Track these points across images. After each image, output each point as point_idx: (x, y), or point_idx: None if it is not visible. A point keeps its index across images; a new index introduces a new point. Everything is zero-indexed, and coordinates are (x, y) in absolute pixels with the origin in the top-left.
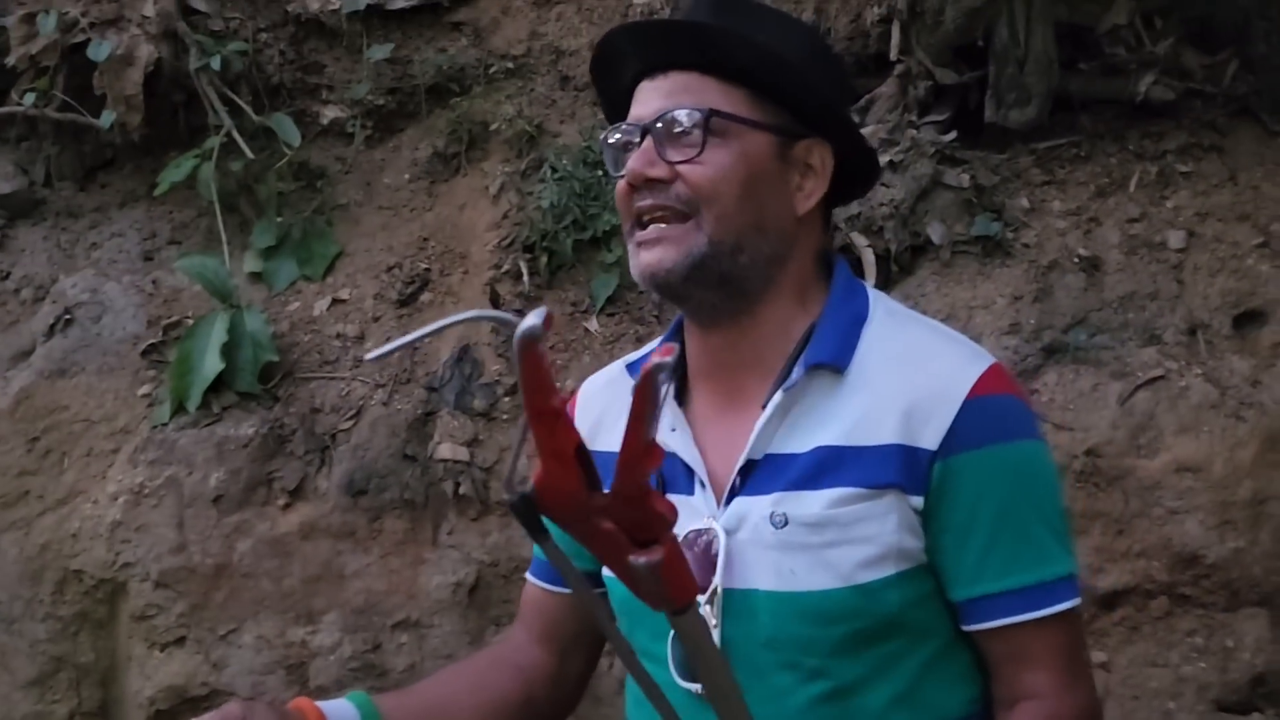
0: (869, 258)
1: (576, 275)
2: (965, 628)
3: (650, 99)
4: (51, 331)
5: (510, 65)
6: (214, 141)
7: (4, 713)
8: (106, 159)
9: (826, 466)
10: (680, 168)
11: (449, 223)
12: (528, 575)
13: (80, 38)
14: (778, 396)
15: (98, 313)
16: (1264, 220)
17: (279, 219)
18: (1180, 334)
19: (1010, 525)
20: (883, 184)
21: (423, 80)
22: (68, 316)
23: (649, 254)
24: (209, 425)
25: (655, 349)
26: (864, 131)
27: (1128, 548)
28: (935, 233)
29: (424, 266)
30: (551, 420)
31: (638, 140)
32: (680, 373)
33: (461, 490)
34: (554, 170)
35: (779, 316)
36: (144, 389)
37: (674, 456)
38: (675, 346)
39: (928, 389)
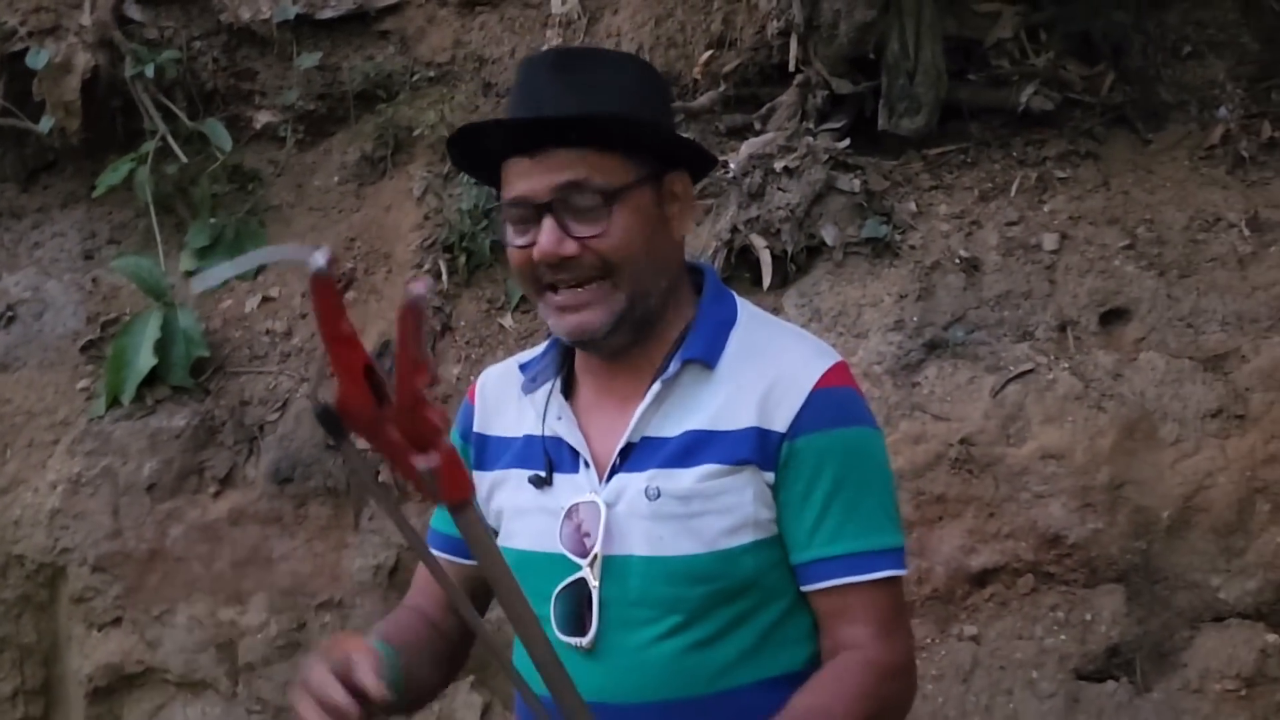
0: (766, 258)
1: (494, 274)
2: (802, 588)
3: (534, 177)
4: None
5: (434, 73)
6: (149, 146)
7: None
8: (48, 161)
9: (694, 447)
10: (589, 241)
11: (375, 224)
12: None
13: (19, 46)
14: (656, 387)
15: (39, 310)
16: (1132, 224)
17: (213, 220)
18: (1051, 330)
19: (842, 499)
20: (780, 189)
21: (351, 87)
22: (10, 313)
23: (575, 317)
24: (143, 417)
25: (538, 350)
26: (763, 139)
27: (997, 529)
28: (829, 235)
29: (350, 266)
30: (343, 343)
31: (533, 216)
32: (568, 370)
33: (381, 478)
34: None
35: (665, 327)
36: (82, 383)
37: (560, 440)
38: (428, 279)
39: (780, 379)
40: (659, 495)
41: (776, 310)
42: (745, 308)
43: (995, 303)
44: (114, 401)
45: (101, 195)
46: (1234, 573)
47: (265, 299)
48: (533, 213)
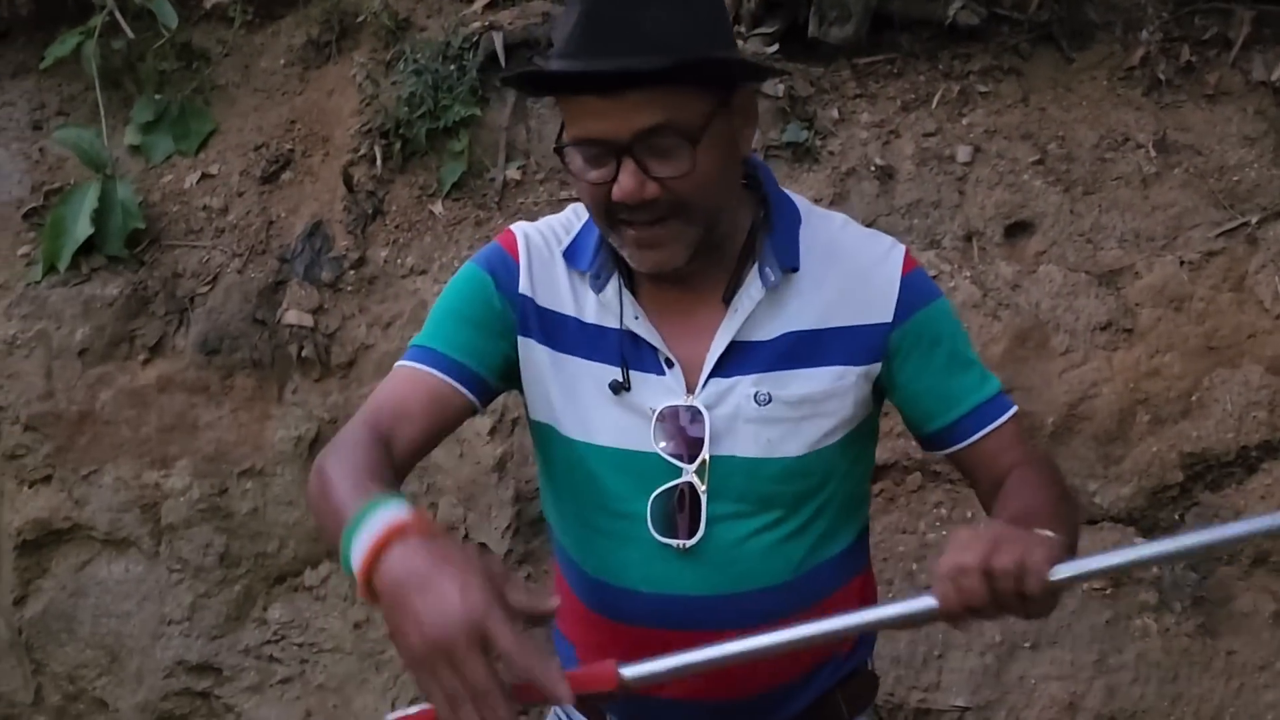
0: None
1: (427, 162)
2: (949, 450)
3: (611, 118)
4: None
5: None
6: (97, 20)
7: None
8: (0, 31)
9: (797, 350)
10: (667, 180)
11: (316, 107)
12: (421, 365)
13: None
14: (745, 299)
15: None
16: (1044, 140)
17: (158, 96)
18: (957, 240)
19: (959, 361)
20: None
21: None
22: None
23: (654, 254)
24: (78, 285)
25: (573, 230)
26: None
27: (890, 428)
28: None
29: (289, 147)
30: None
31: (609, 155)
32: (625, 265)
33: (305, 353)
34: (413, 62)
35: (731, 231)
36: (24, 249)
37: (639, 340)
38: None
39: (869, 275)
40: (769, 400)
41: None
42: (800, 201)
43: (906, 210)
44: (51, 268)
45: (51, 67)
46: (1110, 479)
47: (205, 175)
48: (609, 152)
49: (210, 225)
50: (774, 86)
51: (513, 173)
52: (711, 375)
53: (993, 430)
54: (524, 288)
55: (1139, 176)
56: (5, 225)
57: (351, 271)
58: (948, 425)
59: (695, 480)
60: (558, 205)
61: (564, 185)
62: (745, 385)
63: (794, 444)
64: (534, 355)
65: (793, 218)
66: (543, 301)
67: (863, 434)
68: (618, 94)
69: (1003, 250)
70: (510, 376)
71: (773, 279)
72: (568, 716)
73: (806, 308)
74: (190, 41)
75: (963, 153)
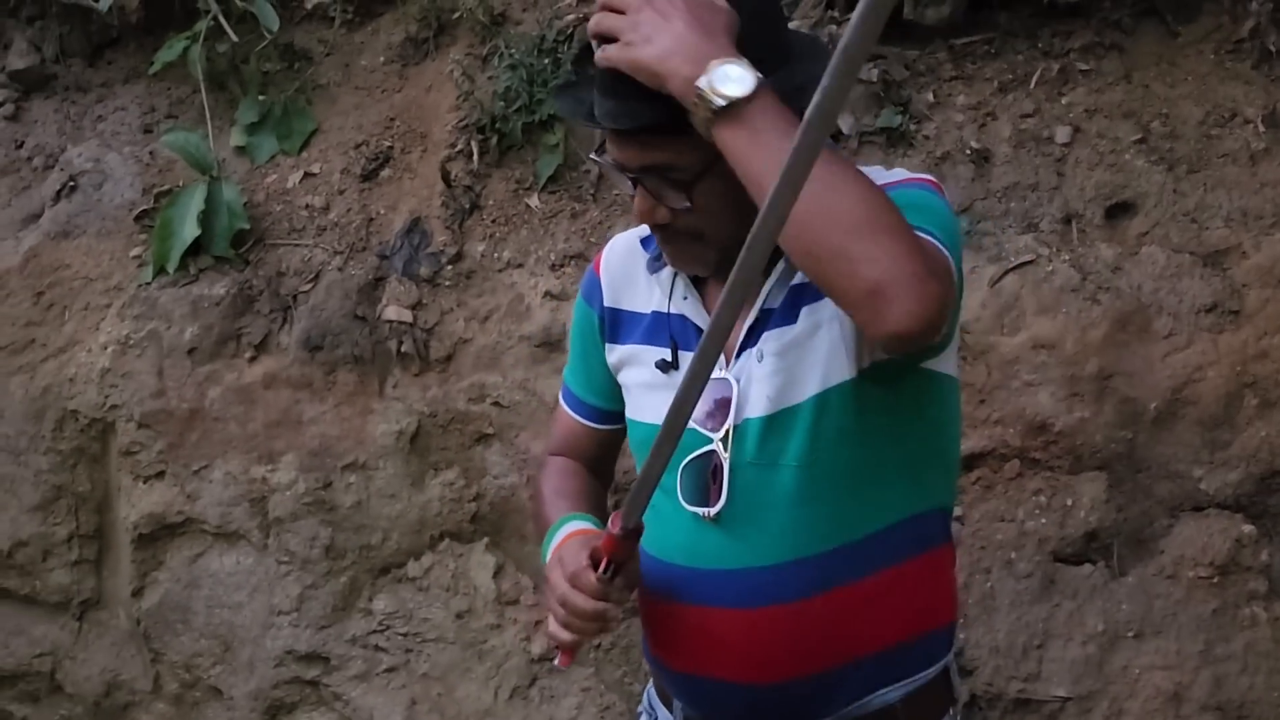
0: None
1: (523, 155)
2: None
3: (624, 150)
4: (58, 197)
5: None
6: (202, 25)
7: (12, 534)
8: (112, 38)
9: (790, 304)
10: (679, 210)
11: (415, 104)
12: (565, 407)
13: None
14: (772, 281)
15: (99, 180)
16: (1147, 118)
17: (262, 97)
18: (1055, 223)
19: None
20: None
21: None
22: (73, 183)
23: (682, 265)
24: (186, 285)
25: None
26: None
27: (987, 415)
28: (844, 124)
29: (388, 144)
30: None
31: (629, 181)
32: None
33: (404, 349)
34: (508, 57)
35: None
36: (135, 250)
37: (685, 319)
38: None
39: None
40: (763, 357)
41: None
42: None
43: (1002, 194)
44: (160, 270)
45: (160, 72)
46: (1216, 465)
47: (307, 174)
48: (629, 179)
49: (312, 224)
50: (868, 71)
51: None
52: (742, 347)
53: None
54: (608, 300)
55: (1246, 153)
56: (118, 228)
57: (449, 266)
58: None
59: (719, 448)
60: None
61: None
62: (754, 350)
63: (789, 393)
64: (614, 358)
65: None
66: (623, 305)
67: (885, 397)
68: (627, 133)
69: (1103, 232)
70: None
71: (783, 265)
72: (654, 712)
73: None
74: (292, 42)
75: (1062, 133)
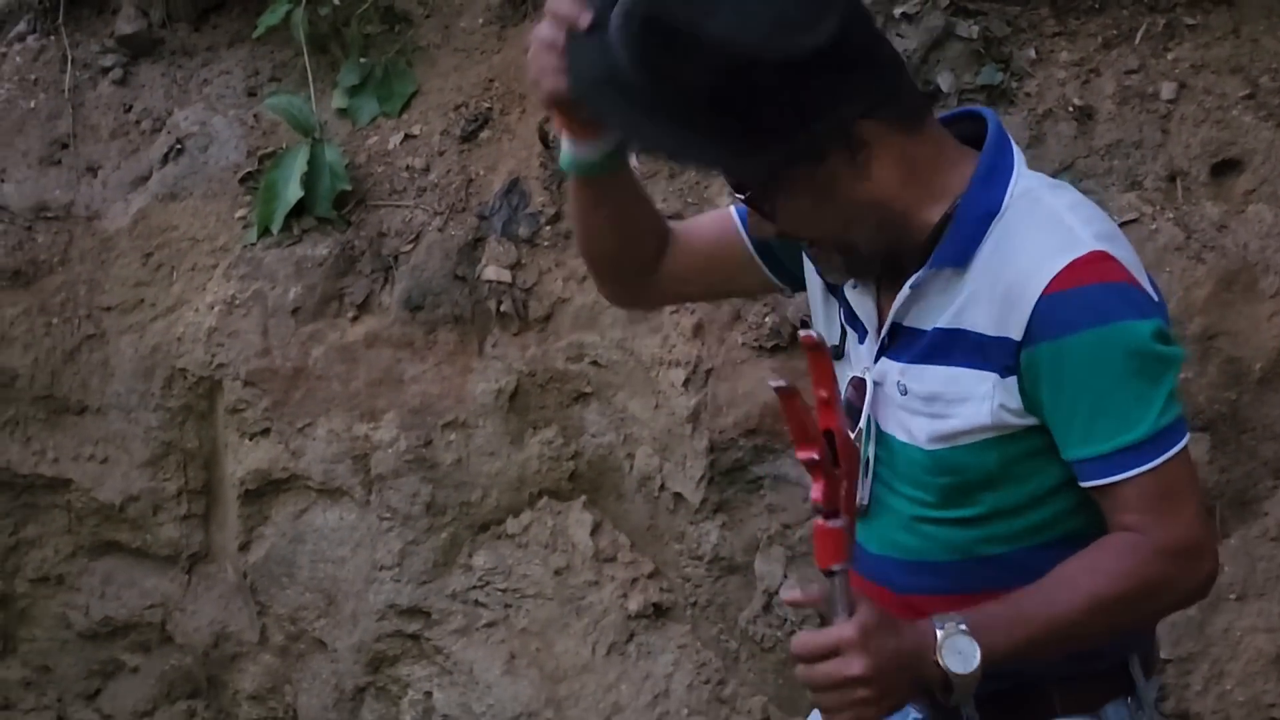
0: None
1: None
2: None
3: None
4: (166, 159)
5: None
6: None
7: (124, 489)
8: (217, 2)
9: (940, 346)
10: (783, 228)
11: (514, 65)
12: (734, 213)
13: None
14: (906, 289)
15: (205, 143)
16: (1255, 73)
17: (363, 59)
18: (1160, 180)
19: (1087, 402)
20: (898, 34)
21: None
22: (180, 146)
23: (829, 275)
24: (290, 246)
25: None
26: None
27: None
28: (944, 81)
29: (487, 106)
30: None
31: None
32: None
33: (503, 308)
34: None
35: (918, 228)
36: (240, 212)
37: (853, 311)
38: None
39: (1015, 283)
40: (906, 392)
41: None
42: (1019, 184)
43: (1105, 152)
44: (265, 231)
45: (263, 35)
46: None
47: (407, 136)
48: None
49: (413, 185)
50: (968, 28)
51: None
52: (880, 353)
53: (1097, 486)
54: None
55: None
56: (224, 190)
57: (548, 227)
58: (1070, 462)
59: (859, 441)
60: None
61: None
62: (894, 372)
63: (924, 437)
64: (811, 280)
65: (988, 209)
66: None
67: (1032, 448)
68: None
69: (1208, 190)
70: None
71: (923, 276)
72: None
73: (960, 305)
74: (393, 5)
75: (1167, 89)
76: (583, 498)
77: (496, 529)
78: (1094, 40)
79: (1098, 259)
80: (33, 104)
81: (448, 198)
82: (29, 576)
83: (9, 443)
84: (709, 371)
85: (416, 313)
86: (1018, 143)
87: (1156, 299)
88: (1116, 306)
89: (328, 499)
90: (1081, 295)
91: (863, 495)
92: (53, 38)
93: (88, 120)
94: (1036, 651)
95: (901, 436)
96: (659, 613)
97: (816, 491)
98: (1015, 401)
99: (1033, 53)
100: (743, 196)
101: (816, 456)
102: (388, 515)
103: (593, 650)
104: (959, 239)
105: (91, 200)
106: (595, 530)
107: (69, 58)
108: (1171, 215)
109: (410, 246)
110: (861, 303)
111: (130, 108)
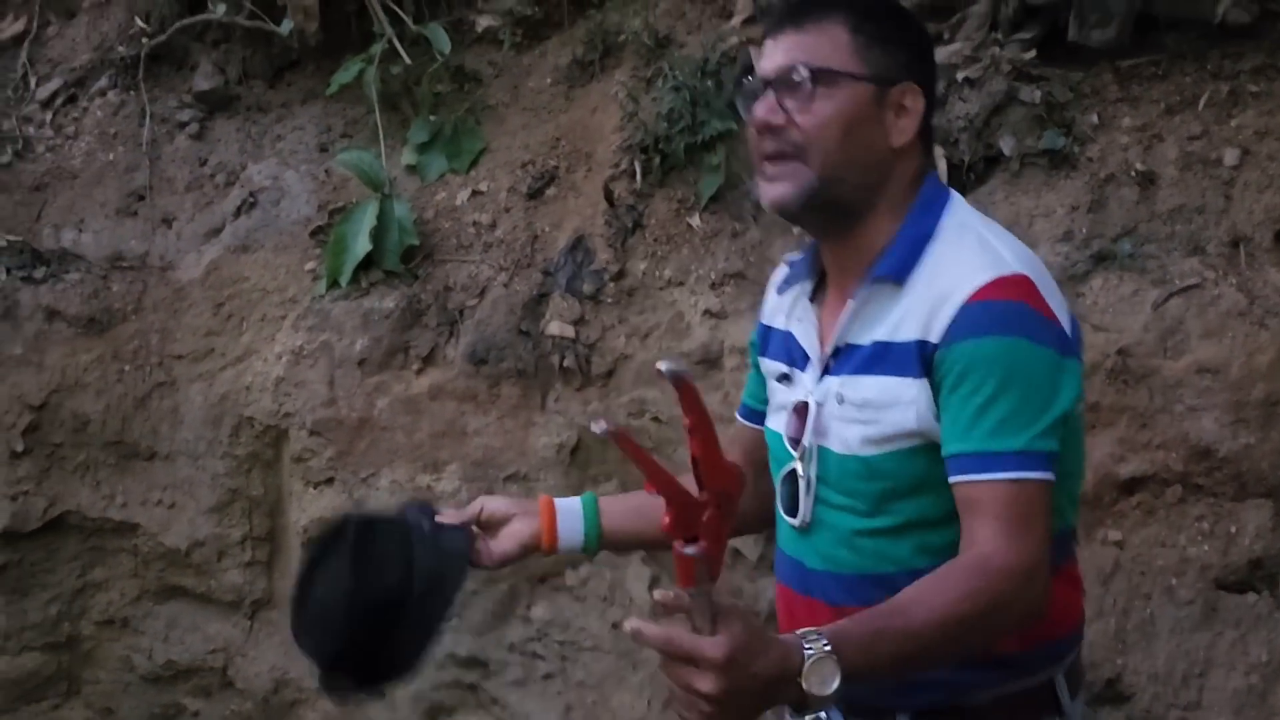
0: (943, 167)
1: (686, 175)
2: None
3: (772, 55)
4: (239, 212)
5: None
6: (377, 47)
7: (190, 534)
8: (292, 60)
9: (876, 357)
10: (794, 116)
11: (580, 124)
12: (737, 415)
13: None
14: (851, 303)
15: (277, 197)
16: None
17: (433, 117)
18: (1222, 246)
19: (977, 402)
20: (960, 99)
21: None
22: (253, 199)
23: (770, 187)
24: (358, 298)
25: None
26: (950, 49)
27: (1149, 440)
28: (1006, 145)
29: (553, 164)
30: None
31: (761, 90)
32: (821, 273)
33: (567, 363)
34: (672, 79)
35: (873, 232)
36: (310, 265)
37: (793, 339)
38: (675, 360)
39: (943, 292)
40: (843, 401)
41: None
42: (953, 216)
43: (1168, 217)
44: (333, 283)
45: (336, 93)
46: None
47: (475, 192)
48: (761, 87)
49: (479, 240)
50: (1031, 93)
51: None
52: (824, 373)
53: (964, 482)
54: (764, 317)
55: None
56: (294, 242)
57: (611, 284)
58: (945, 458)
59: (799, 466)
60: None
61: None
62: (835, 385)
63: (862, 445)
64: (763, 369)
65: (923, 232)
66: (772, 323)
67: None
68: (782, 33)
69: (1272, 257)
70: None
71: (864, 289)
72: None
73: (894, 319)
74: (463, 64)
75: (1230, 156)
76: (641, 552)
77: (555, 581)
78: (1157, 106)
79: (1021, 280)
80: (111, 157)
81: (513, 253)
82: (95, 619)
83: (80, 486)
84: None
85: (481, 366)
86: (1078, 206)
87: (1069, 335)
88: (1026, 324)
89: None
90: (997, 306)
91: (805, 514)
92: (132, 93)
93: (164, 173)
94: (892, 669)
95: (838, 448)
96: None
97: (664, 520)
98: (934, 408)
99: (1095, 118)
100: (797, 78)
101: (655, 491)
102: None
103: (649, 704)
104: (898, 254)
105: (166, 251)
106: (653, 584)
107: (148, 112)
108: (1234, 281)
109: (476, 301)
110: (805, 333)
111: (205, 161)
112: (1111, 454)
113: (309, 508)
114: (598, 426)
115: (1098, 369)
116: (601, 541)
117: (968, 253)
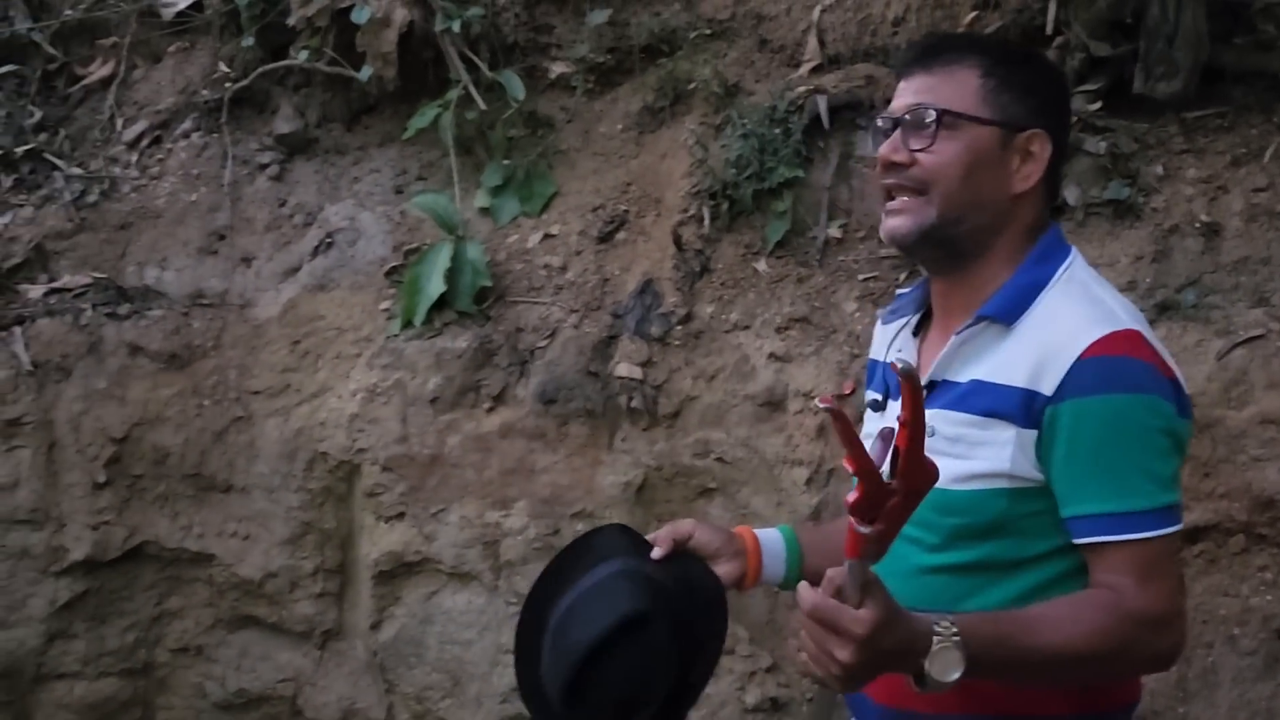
0: None
1: (753, 221)
2: (1073, 541)
3: (903, 95)
4: (316, 252)
5: (714, 29)
6: (453, 93)
7: (264, 565)
8: (369, 105)
9: (972, 394)
10: (917, 154)
11: (650, 170)
12: None
13: (346, 2)
14: (953, 339)
15: (354, 238)
16: None
17: (506, 161)
18: None
19: (1099, 461)
20: None
21: (637, 41)
22: (330, 240)
23: (890, 221)
24: (431, 338)
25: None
26: None
27: (1212, 489)
28: (1071, 195)
29: (624, 209)
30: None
31: (891, 129)
32: (928, 308)
33: (634, 404)
34: (741, 126)
35: (986, 275)
36: (384, 304)
37: (890, 369)
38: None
39: (1054, 345)
40: (934, 434)
41: None
42: (1070, 270)
43: (1232, 268)
44: (408, 323)
45: (411, 137)
46: None
47: (546, 235)
48: (890, 126)
49: (550, 283)
50: (1096, 144)
51: (834, 231)
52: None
53: (1092, 544)
54: (873, 352)
55: None
56: (369, 282)
57: (679, 326)
58: (1065, 518)
59: None
60: (877, 263)
61: (884, 244)
62: (931, 413)
63: (947, 478)
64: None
65: (1038, 280)
66: (875, 355)
67: (1035, 508)
68: (913, 75)
69: None
70: None
71: (969, 326)
72: None
73: (997, 360)
74: (536, 110)
75: None
76: None
77: None
78: (1222, 158)
79: (1134, 336)
80: (194, 197)
81: (583, 296)
82: (170, 646)
83: (158, 517)
84: (830, 471)
85: (550, 406)
86: (1142, 256)
87: (1182, 390)
88: (1144, 380)
89: (457, 582)
90: (1114, 363)
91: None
92: (215, 135)
93: (244, 213)
94: (1007, 675)
95: None
96: (775, 707)
97: (851, 496)
98: (1031, 455)
99: (1160, 169)
100: (922, 118)
101: (853, 469)
102: (514, 600)
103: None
104: (1008, 296)
105: (245, 289)
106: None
107: (229, 154)
108: None
109: (546, 342)
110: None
111: (284, 202)
112: None
113: (379, 541)
114: (823, 403)
115: None
116: (800, 576)
117: (1081, 305)
